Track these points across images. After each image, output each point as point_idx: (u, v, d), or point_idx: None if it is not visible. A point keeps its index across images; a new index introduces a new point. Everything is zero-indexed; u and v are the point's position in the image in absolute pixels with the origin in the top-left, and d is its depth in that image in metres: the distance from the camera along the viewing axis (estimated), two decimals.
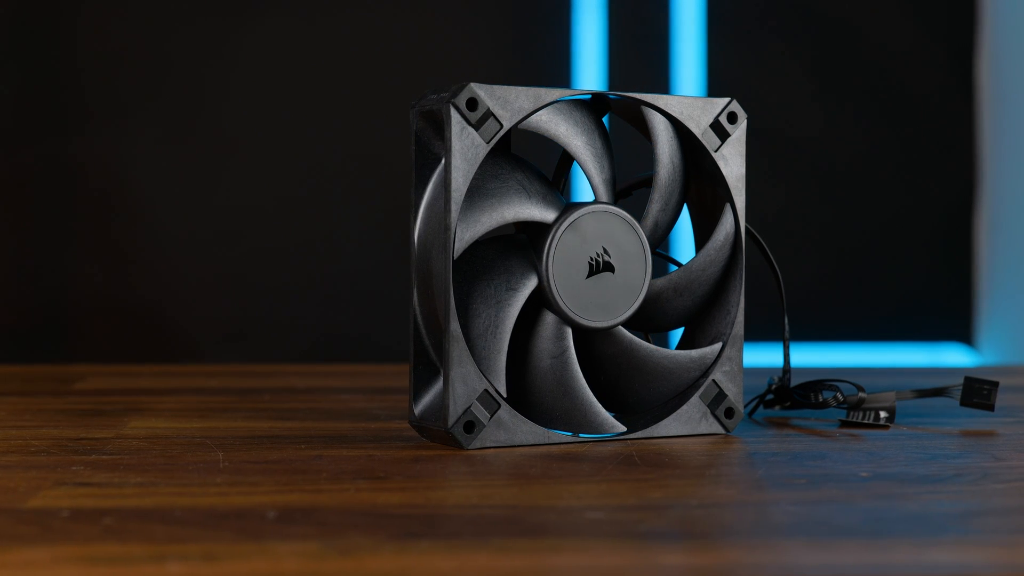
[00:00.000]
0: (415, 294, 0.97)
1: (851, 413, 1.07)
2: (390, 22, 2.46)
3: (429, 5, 2.51)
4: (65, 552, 0.64)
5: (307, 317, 2.38)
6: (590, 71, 2.55)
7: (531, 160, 0.99)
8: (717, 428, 1.01)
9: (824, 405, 1.07)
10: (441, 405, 0.93)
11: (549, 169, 1.02)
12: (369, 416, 1.10)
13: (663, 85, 2.55)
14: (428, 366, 0.97)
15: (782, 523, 0.73)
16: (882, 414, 1.06)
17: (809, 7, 2.59)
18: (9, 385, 1.35)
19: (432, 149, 0.97)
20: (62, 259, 2.49)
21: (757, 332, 2.50)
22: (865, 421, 1.05)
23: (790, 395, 1.09)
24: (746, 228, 1.03)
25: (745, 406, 1.11)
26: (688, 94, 2.58)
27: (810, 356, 2.53)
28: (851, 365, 2.22)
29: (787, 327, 1.08)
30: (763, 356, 2.48)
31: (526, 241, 0.97)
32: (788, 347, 1.09)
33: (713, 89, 2.57)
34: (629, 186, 1.03)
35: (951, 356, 2.49)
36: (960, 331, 2.57)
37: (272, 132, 2.34)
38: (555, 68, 2.56)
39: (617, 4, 2.58)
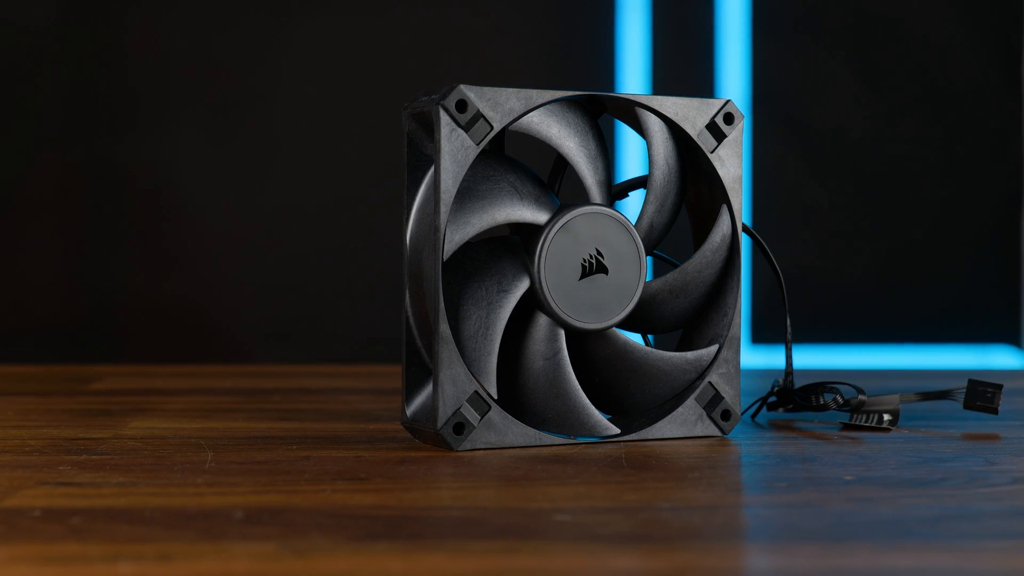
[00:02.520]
0: (407, 296, 0.97)
1: (854, 416, 1.06)
2: (433, 23, 2.47)
3: (471, 5, 2.51)
4: (24, 551, 0.65)
5: (350, 318, 2.39)
6: (634, 72, 2.54)
7: (527, 162, 0.99)
8: (713, 430, 1.00)
9: (824, 407, 1.06)
10: (432, 407, 0.94)
11: (546, 171, 1.02)
12: (370, 417, 1.10)
13: (707, 84, 2.54)
14: (420, 367, 0.97)
15: (747, 527, 0.72)
16: (885, 417, 1.05)
17: (854, 4, 2.57)
18: (27, 385, 1.36)
19: (424, 151, 0.97)
20: (108, 260, 2.52)
21: (801, 334, 2.48)
22: (867, 424, 1.04)
23: (792, 397, 1.08)
24: (748, 229, 1.02)
25: (747, 408, 1.11)
26: (733, 93, 2.57)
27: (853, 358, 2.51)
28: (895, 367, 2.20)
29: (789, 329, 1.08)
30: (806, 358, 2.46)
31: (519, 243, 0.97)
32: (790, 349, 1.08)
33: (758, 88, 2.56)
34: (625, 187, 1.03)
35: (999, 358, 2.46)
36: (1008, 333, 2.54)
37: (318, 133, 2.35)
38: (598, 69, 2.56)
39: (661, 4, 2.58)
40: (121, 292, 2.50)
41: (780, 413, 1.11)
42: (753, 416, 1.11)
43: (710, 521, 0.73)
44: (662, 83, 2.52)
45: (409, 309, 0.97)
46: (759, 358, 2.51)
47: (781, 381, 1.09)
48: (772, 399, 1.10)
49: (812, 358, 2.58)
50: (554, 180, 1.02)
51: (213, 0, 2.48)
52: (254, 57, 2.47)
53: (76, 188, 2.51)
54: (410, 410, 0.97)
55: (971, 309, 2.53)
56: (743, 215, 1.01)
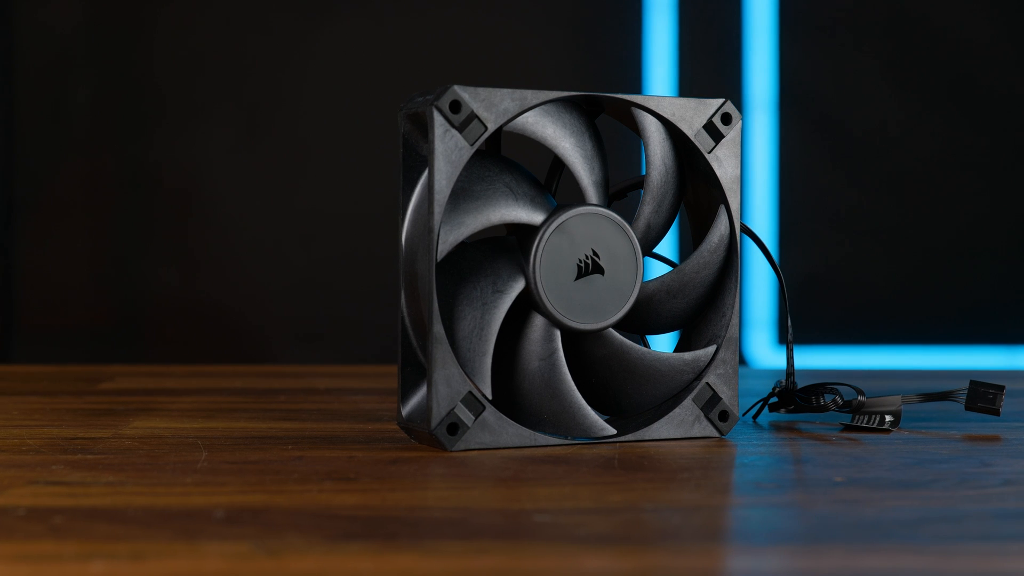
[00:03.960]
0: (403, 296, 0.97)
1: (856, 417, 1.05)
2: (464, 25, 2.47)
3: (499, 6, 2.52)
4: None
5: (378, 319, 2.39)
6: (660, 71, 2.54)
7: (525, 162, 0.99)
8: (711, 431, 1.00)
9: (824, 408, 1.05)
10: (426, 407, 0.94)
11: (544, 172, 1.02)
12: (372, 417, 1.10)
13: (735, 83, 2.53)
14: (416, 368, 0.98)
15: (726, 528, 0.72)
16: (887, 418, 1.05)
17: (883, 2, 2.55)
18: (37, 384, 1.38)
19: (419, 151, 0.97)
20: (137, 261, 2.53)
21: (830, 334, 2.47)
22: (868, 425, 1.04)
23: (793, 398, 1.08)
24: (748, 229, 1.02)
25: (748, 409, 1.11)
26: (761, 93, 2.56)
27: (882, 359, 2.49)
28: (926, 368, 2.19)
29: (791, 330, 1.07)
30: (836, 359, 2.45)
31: (515, 243, 0.97)
32: (791, 349, 1.08)
33: (785, 87, 2.55)
34: (623, 188, 1.03)
35: None
36: None
37: (346, 135, 2.37)
38: (625, 69, 2.56)
39: (687, 3, 2.57)
40: (149, 293, 2.52)
41: (782, 414, 1.10)
42: (755, 417, 1.10)
43: (689, 522, 0.73)
44: (688, 83, 2.51)
45: (404, 309, 0.98)
46: (784, 359, 2.50)
47: (783, 382, 1.09)
48: (773, 400, 1.09)
49: (841, 359, 2.57)
50: (551, 181, 1.02)
51: (242, 2, 2.50)
52: (283, 58, 2.48)
53: (105, 189, 2.53)
54: (405, 410, 0.97)
55: (1002, 310, 2.51)
56: (742, 215, 1.00)
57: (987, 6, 2.51)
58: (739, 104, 2.48)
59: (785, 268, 2.48)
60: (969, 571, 0.63)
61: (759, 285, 2.42)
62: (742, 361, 2.44)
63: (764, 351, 2.49)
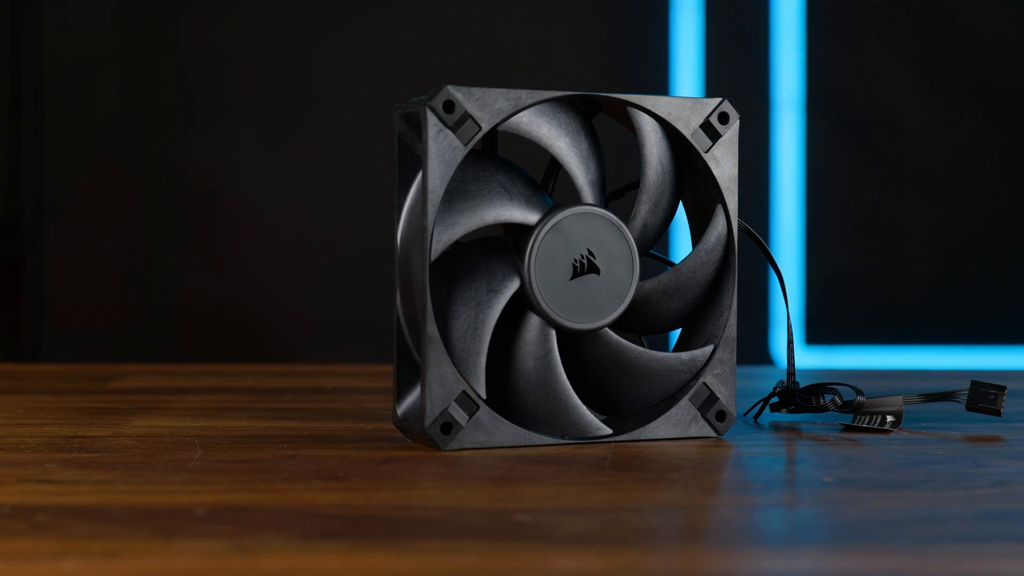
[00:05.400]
0: (398, 296, 0.98)
1: (857, 417, 1.05)
2: (489, 26, 2.48)
3: (528, 6, 2.52)
4: None
5: None
6: (687, 72, 2.53)
7: (522, 162, 0.99)
8: (708, 431, 1.00)
9: (823, 408, 1.05)
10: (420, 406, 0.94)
11: (542, 172, 1.02)
12: (373, 417, 1.11)
13: (761, 83, 2.52)
14: (411, 367, 0.98)
15: (704, 528, 0.72)
16: (888, 418, 1.04)
17: (912, 3, 2.54)
18: (47, 383, 1.39)
19: (414, 151, 0.98)
20: (164, 261, 2.55)
21: (856, 334, 2.46)
22: (869, 425, 1.03)
23: (794, 398, 1.07)
24: (748, 229, 1.01)
25: (750, 409, 1.11)
26: (788, 92, 2.55)
27: (910, 359, 2.48)
28: (953, 368, 2.18)
29: (791, 329, 1.07)
30: (862, 359, 2.44)
31: (510, 243, 0.97)
32: (792, 349, 1.07)
33: (812, 86, 2.54)
34: (621, 188, 1.03)
35: None
36: None
37: (371, 134, 2.37)
38: (652, 70, 2.55)
39: (714, 3, 2.57)
40: (177, 292, 2.54)
41: (783, 414, 1.10)
42: (756, 417, 1.10)
43: (668, 523, 0.73)
44: (715, 83, 2.51)
45: (400, 309, 0.98)
46: (814, 359, 2.49)
47: (784, 382, 1.08)
48: (774, 400, 1.09)
49: (868, 359, 2.56)
50: (548, 181, 1.02)
51: (266, 3, 2.51)
52: (308, 59, 2.49)
53: (132, 189, 2.54)
54: (401, 410, 0.97)
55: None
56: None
57: (1014, 5, 2.49)
58: (766, 103, 2.48)
59: (812, 268, 2.47)
60: (942, 572, 0.63)
61: (786, 285, 2.41)
62: (769, 361, 2.43)
63: None
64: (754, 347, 2.38)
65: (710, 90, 2.49)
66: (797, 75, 2.53)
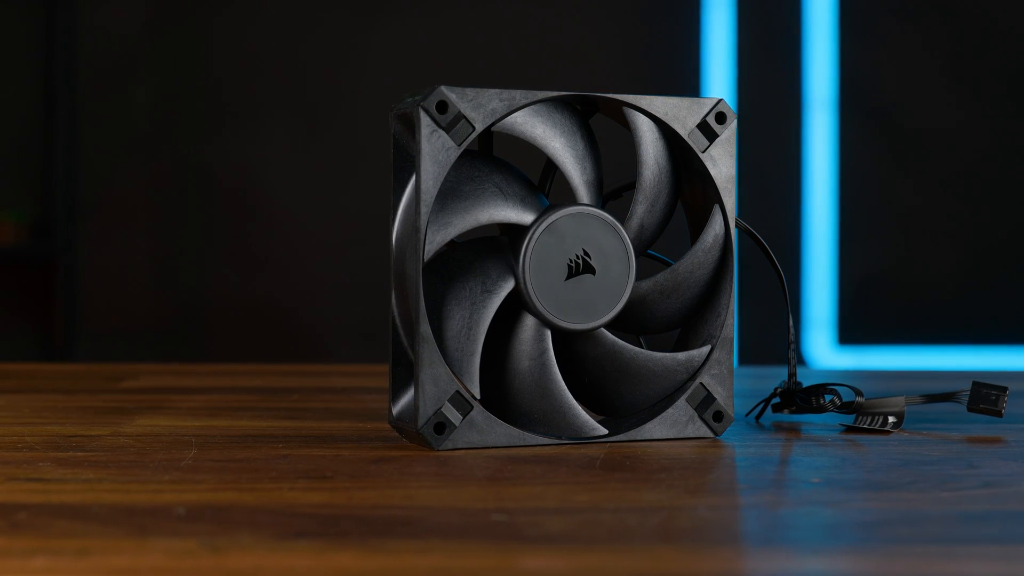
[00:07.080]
0: (393, 296, 0.98)
1: (859, 418, 1.04)
2: (520, 26, 2.48)
3: (557, 7, 2.52)
4: None
5: None
6: (720, 72, 2.53)
7: (519, 162, 0.99)
8: (705, 432, 0.99)
9: (823, 409, 1.04)
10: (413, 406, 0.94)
11: (539, 172, 1.02)
12: (374, 416, 1.11)
13: (794, 82, 2.51)
14: (406, 367, 0.98)
15: (678, 529, 0.72)
16: (890, 419, 1.03)
17: (946, 2, 2.52)
18: (59, 383, 1.40)
19: (409, 152, 0.98)
20: (196, 261, 2.57)
21: (888, 335, 2.45)
22: (870, 426, 1.03)
23: (794, 399, 1.07)
24: (747, 228, 1.01)
25: (752, 410, 1.10)
26: (821, 91, 2.54)
27: (942, 359, 2.46)
28: (984, 368, 2.16)
29: (792, 330, 1.06)
30: (893, 359, 2.42)
31: (506, 243, 0.97)
32: (792, 350, 1.07)
33: (845, 86, 2.53)
34: (618, 188, 1.03)
35: None
36: None
37: None
38: (684, 69, 2.55)
39: (746, 2, 2.56)
40: (208, 291, 2.55)
41: (785, 415, 1.10)
42: (757, 418, 1.10)
43: (645, 523, 0.72)
44: (747, 83, 2.50)
45: (395, 309, 0.98)
46: (846, 359, 2.48)
47: (785, 382, 1.08)
48: (776, 400, 1.09)
49: (900, 359, 2.55)
50: (545, 181, 1.02)
51: (298, 5, 2.52)
52: (338, 60, 2.50)
53: (164, 190, 2.56)
54: (396, 410, 0.97)
55: None
56: (735, 212, 1.00)
57: None
58: (799, 102, 2.46)
59: (845, 268, 2.46)
60: (908, 574, 0.62)
61: (819, 285, 2.40)
62: (801, 362, 2.42)
63: (824, 352, 2.47)
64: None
65: (743, 90, 2.48)
66: (830, 75, 2.52)
